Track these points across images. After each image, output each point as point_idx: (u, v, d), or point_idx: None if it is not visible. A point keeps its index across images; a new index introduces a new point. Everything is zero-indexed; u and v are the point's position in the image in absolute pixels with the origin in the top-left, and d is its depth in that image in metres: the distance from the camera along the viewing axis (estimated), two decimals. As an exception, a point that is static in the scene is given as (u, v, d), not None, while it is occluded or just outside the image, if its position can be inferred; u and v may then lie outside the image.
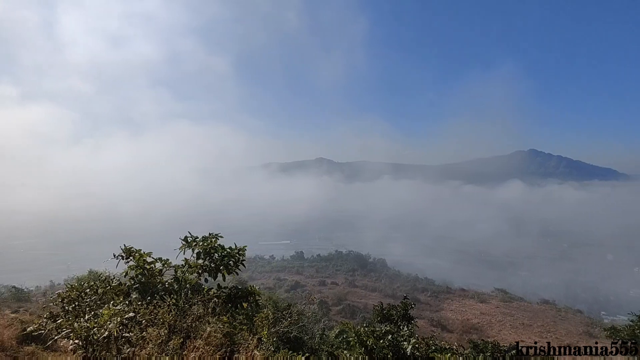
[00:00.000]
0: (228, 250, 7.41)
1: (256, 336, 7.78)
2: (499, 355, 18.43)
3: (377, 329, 9.93)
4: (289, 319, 11.94)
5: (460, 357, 9.15)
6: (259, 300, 7.86)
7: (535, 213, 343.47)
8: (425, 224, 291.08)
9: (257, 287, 8.34)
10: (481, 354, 17.91)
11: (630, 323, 20.14)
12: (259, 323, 9.97)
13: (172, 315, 5.62)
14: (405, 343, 8.72)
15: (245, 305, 7.68)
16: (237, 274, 7.41)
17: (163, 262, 7.41)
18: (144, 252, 7.36)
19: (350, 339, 10.09)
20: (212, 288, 7.49)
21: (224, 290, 7.48)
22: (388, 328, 10.09)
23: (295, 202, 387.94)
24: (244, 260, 7.51)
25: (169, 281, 7.10)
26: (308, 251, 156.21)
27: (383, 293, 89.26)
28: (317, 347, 13.58)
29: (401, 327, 12.58)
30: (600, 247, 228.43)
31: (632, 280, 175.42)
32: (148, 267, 7.19)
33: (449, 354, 8.28)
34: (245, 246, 7.72)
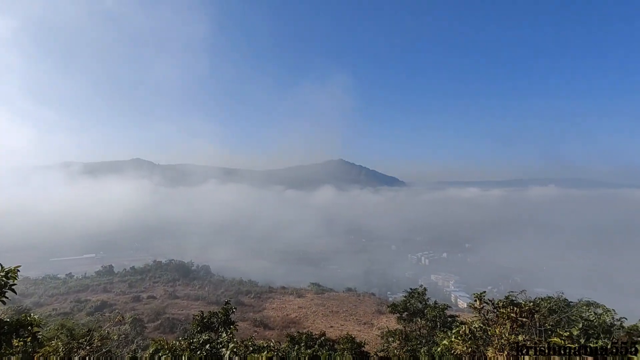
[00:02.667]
0: (-11, 273, 5.61)
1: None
2: (311, 343, 20.46)
3: (194, 340, 9.45)
4: (87, 347, 10.09)
5: (277, 353, 9.60)
6: (38, 332, 6.24)
7: (343, 214, 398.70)
8: (250, 228, 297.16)
9: (41, 315, 6.66)
10: (296, 346, 19.49)
11: (404, 298, 25.90)
12: (43, 360, 8.03)
13: None
14: (223, 349, 8.59)
15: (16, 342, 5.99)
16: (4, 302, 5.70)
17: None
18: None
19: (164, 356, 9.26)
20: (-40, 326, 5.52)
21: (-20, 326, 5.61)
22: (206, 337, 9.74)
23: (105, 209, 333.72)
24: (14, 284, 5.84)
25: None
26: (119, 264, 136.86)
27: (207, 301, 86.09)
28: (124, 373, 11.89)
29: (221, 333, 12.37)
30: (387, 240, 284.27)
31: (408, 265, 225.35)
32: None
33: (266, 352, 8.60)
34: (18, 266, 6.02)
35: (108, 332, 18.55)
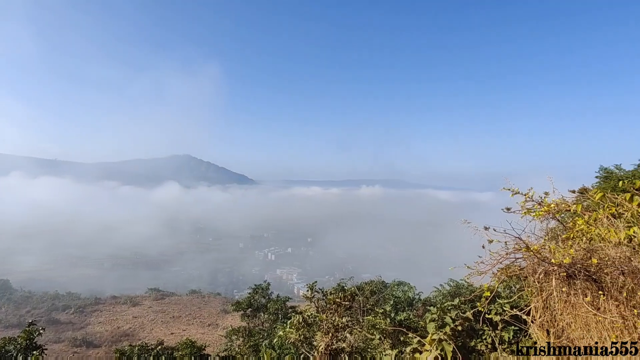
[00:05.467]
0: None
1: None
2: (146, 355, 18.61)
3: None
4: None
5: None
6: None
7: (188, 212, 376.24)
8: (72, 230, 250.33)
9: None
10: (127, 361, 17.41)
11: (249, 295, 26.26)
12: None
13: None
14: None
15: None
16: None
17: None
18: None
19: None
20: None
21: None
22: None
23: None
24: None
25: None
26: None
27: (3, 324, 68.52)
28: None
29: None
30: (235, 238, 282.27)
31: (255, 261, 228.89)
32: None
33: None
34: None
35: None
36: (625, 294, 3.33)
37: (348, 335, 6.19)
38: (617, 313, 3.34)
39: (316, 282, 7.88)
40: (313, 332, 6.41)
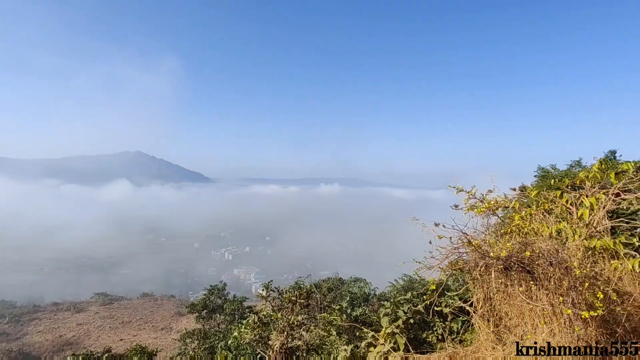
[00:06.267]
0: None
1: None
2: (91, 364, 17.51)
3: None
4: None
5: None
6: None
7: (140, 212, 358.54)
8: (7, 232, 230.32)
9: None
10: (69, 371, 16.28)
11: (204, 296, 25.61)
12: None
13: None
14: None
15: None
16: None
17: None
18: None
19: None
20: None
21: None
22: None
23: None
24: None
25: None
26: None
27: None
28: None
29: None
30: (190, 238, 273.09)
31: (211, 262, 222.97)
32: None
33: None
34: None
35: None
36: (553, 283, 3.68)
37: (304, 333, 6.27)
38: (547, 301, 3.67)
39: (272, 281, 7.91)
40: (269, 332, 6.42)
